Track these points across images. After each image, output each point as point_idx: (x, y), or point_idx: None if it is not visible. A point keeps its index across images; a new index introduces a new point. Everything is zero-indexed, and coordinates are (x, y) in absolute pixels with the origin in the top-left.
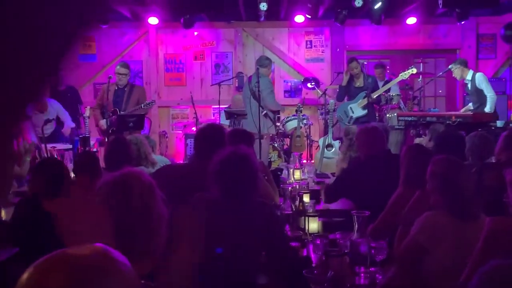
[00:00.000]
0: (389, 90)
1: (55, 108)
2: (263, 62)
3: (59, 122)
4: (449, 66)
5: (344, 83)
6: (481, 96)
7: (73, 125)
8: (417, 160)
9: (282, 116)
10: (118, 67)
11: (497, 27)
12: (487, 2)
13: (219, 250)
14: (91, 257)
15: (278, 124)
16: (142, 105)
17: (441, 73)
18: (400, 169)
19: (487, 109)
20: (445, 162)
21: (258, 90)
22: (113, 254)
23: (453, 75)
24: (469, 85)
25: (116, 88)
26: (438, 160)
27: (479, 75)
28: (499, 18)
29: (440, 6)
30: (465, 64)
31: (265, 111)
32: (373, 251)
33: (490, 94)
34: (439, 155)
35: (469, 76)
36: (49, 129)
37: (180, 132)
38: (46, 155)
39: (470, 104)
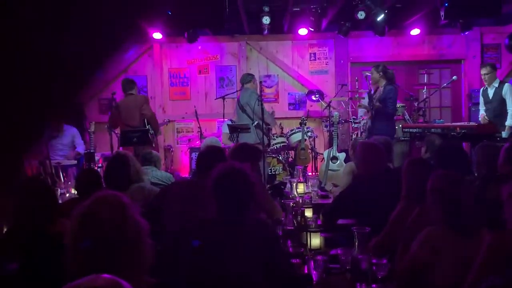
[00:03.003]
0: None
1: (71, 133)
2: (246, 78)
3: (73, 147)
4: (483, 71)
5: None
6: (502, 106)
7: (82, 152)
8: (418, 175)
9: (287, 128)
10: None
11: (501, 37)
12: (489, 13)
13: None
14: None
15: (270, 135)
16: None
17: (445, 84)
18: (402, 184)
19: (509, 122)
20: (445, 177)
21: (261, 105)
22: (123, 284)
23: (483, 77)
24: (491, 92)
25: None
26: (438, 175)
27: (508, 85)
28: (503, 28)
29: (442, 18)
30: (496, 69)
31: (256, 122)
32: (374, 267)
33: None
34: (439, 170)
35: (495, 83)
36: (61, 151)
37: (185, 145)
38: (50, 171)
39: (483, 110)
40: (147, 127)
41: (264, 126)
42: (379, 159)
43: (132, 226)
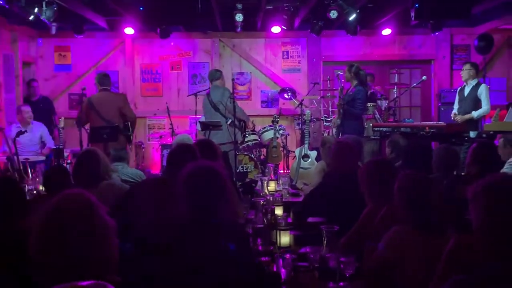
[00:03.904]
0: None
1: (39, 130)
2: (215, 75)
3: (42, 144)
4: (464, 67)
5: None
6: (476, 105)
7: (53, 146)
8: (378, 176)
9: (259, 126)
10: None
11: (471, 38)
12: (458, 14)
13: None
14: None
15: (245, 132)
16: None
17: (415, 84)
18: (364, 186)
19: (475, 114)
20: (411, 177)
21: (234, 102)
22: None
23: (461, 74)
24: (467, 90)
25: None
26: (404, 175)
27: (484, 85)
28: (472, 30)
29: (412, 19)
30: (477, 70)
31: (230, 121)
32: (342, 265)
33: (486, 107)
34: (406, 170)
35: (473, 82)
36: (30, 147)
37: (157, 142)
38: (18, 167)
39: (456, 109)
40: (130, 131)
41: (239, 123)
42: (352, 158)
43: (99, 224)
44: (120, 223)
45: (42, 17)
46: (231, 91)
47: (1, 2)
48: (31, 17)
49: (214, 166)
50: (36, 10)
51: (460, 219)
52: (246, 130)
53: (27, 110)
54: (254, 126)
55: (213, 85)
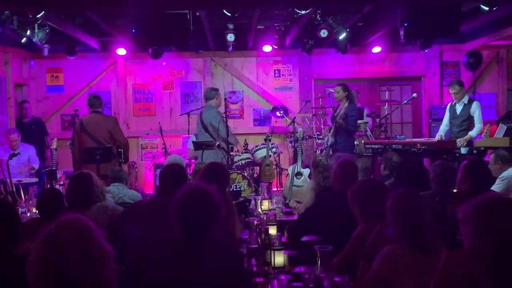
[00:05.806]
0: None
1: (27, 153)
2: (209, 94)
3: (27, 164)
4: (452, 91)
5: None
6: (469, 122)
7: (37, 167)
8: (369, 195)
9: (252, 144)
10: None
11: (460, 54)
12: (447, 33)
13: None
14: None
15: (232, 154)
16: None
17: (406, 101)
18: (355, 206)
19: (473, 134)
20: (403, 196)
21: (227, 125)
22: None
23: (452, 96)
24: (459, 108)
25: None
26: (397, 194)
27: (476, 103)
28: (461, 46)
29: (402, 38)
30: (464, 86)
31: (217, 143)
32: (336, 286)
33: (480, 125)
34: (398, 188)
35: (465, 100)
36: (22, 168)
37: (149, 162)
38: (11, 190)
39: (445, 126)
40: (122, 158)
41: (227, 146)
42: (355, 176)
43: (97, 250)
44: (115, 246)
45: (35, 39)
46: (224, 110)
47: None
48: (24, 40)
49: (208, 189)
50: (28, 32)
51: (452, 237)
52: (235, 152)
53: (13, 137)
54: (247, 144)
55: (206, 104)
